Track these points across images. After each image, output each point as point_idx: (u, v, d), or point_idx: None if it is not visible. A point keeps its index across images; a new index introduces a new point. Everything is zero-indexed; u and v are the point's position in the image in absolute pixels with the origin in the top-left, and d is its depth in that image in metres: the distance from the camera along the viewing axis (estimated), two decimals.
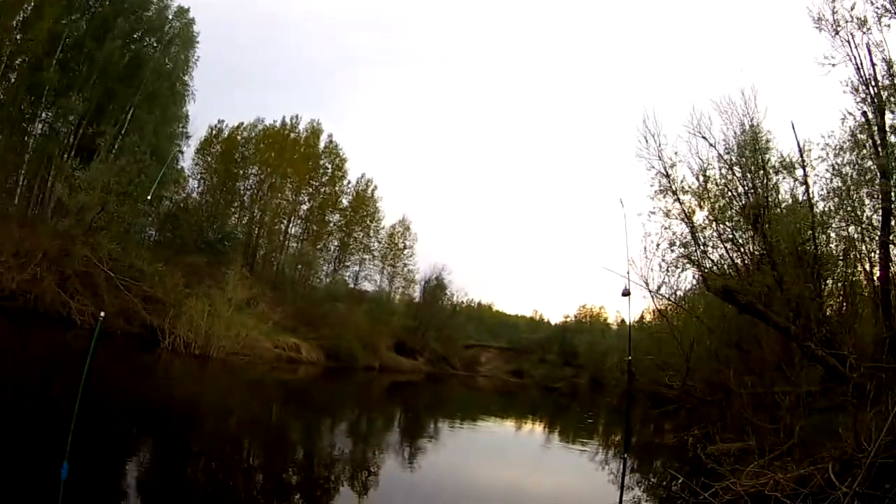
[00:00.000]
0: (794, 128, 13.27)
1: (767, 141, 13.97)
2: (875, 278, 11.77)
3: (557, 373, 62.72)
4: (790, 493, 8.50)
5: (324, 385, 31.13)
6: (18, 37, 30.32)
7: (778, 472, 9.22)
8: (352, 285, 55.18)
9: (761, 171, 13.76)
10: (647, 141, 14.95)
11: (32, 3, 30.70)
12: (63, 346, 19.43)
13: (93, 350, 6.22)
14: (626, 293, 8.46)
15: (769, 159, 13.88)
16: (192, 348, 27.25)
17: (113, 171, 27.53)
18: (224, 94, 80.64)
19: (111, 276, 26.19)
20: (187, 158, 44.58)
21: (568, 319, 72.60)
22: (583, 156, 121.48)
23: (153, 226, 39.55)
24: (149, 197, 24.46)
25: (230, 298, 29.92)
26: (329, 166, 56.09)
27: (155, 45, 34.50)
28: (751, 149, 13.87)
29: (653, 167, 14.98)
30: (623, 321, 27.12)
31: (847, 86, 11.90)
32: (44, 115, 30.15)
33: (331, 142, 55.94)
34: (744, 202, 13.97)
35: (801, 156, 13.28)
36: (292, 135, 54.34)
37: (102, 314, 8.77)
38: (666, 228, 15.06)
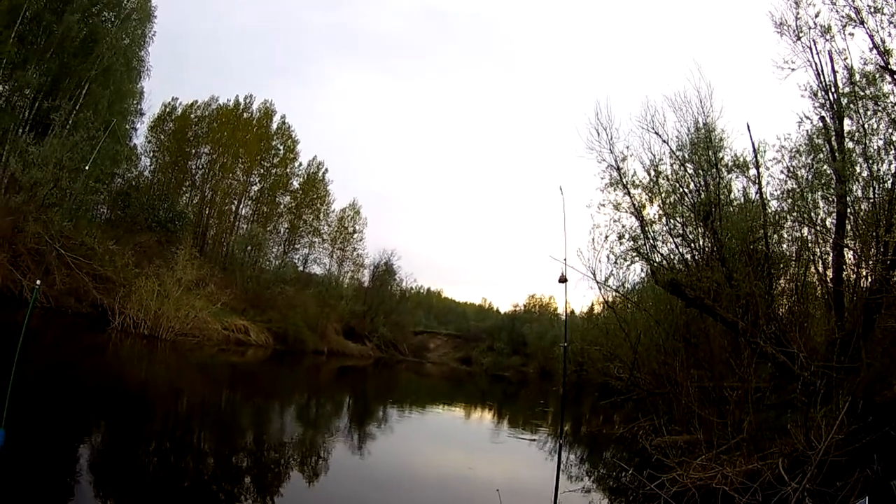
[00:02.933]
0: (749, 129, 13.32)
1: (721, 140, 13.96)
2: (828, 280, 11.94)
3: (506, 361, 63.42)
4: (739, 486, 8.72)
5: (272, 368, 31.14)
6: None
7: (726, 465, 9.48)
8: (301, 268, 54.75)
9: (714, 169, 13.78)
10: (598, 134, 14.86)
11: None
12: (12, 325, 19.19)
13: (28, 318, 6.34)
14: (563, 280, 7.93)
15: (723, 157, 13.90)
16: (142, 328, 27.21)
17: (67, 146, 27.09)
18: (180, 70, 79.33)
19: (62, 253, 25.81)
20: (140, 136, 44.03)
21: (517, 308, 72.83)
22: (532, 143, 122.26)
23: (105, 203, 38.96)
24: (87, 167, 24.04)
25: (179, 279, 29.90)
26: (281, 148, 55.73)
27: (112, 19, 33.89)
28: (704, 146, 13.86)
29: (604, 160, 14.89)
30: (572, 311, 27.23)
31: (806, 90, 12.04)
32: (0, 88, 29.52)
33: (283, 123, 55.60)
34: (695, 199, 13.94)
35: (756, 156, 13.36)
36: (245, 115, 53.69)
37: (38, 283, 8.79)
38: (615, 221, 15.03)
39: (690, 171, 14.20)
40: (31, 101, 30.33)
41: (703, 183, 13.96)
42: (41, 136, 28.41)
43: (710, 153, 13.82)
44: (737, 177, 14.12)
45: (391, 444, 14.77)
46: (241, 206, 54.34)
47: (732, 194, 14.26)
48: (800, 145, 12.49)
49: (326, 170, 58.88)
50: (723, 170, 13.88)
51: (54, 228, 25.59)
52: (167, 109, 51.02)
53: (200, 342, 29.88)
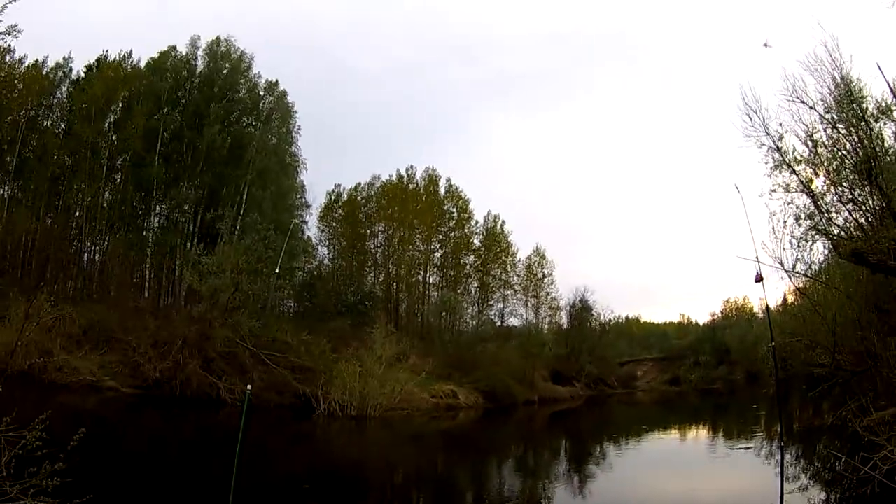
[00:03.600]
0: (881, 69, 12.28)
1: (860, 90, 13.32)
2: None
3: (713, 373, 61.14)
4: None
5: (485, 426, 30.90)
6: (114, 137, 31.79)
7: None
8: (498, 323, 54.53)
9: (862, 122, 13.12)
10: (751, 119, 14.60)
11: (121, 104, 32.26)
12: (215, 426, 19.57)
13: (244, 419, 6.56)
14: (759, 279, 8.12)
15: (867, 108, 13.26)
16: (349, 410, 27.05)
17: (239, 251, 28.09)
18: (335, 158, 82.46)
19: (255, 351, 26.41)
20: (312, 227, 45.78)
21: (715, 317, 70.39)
22: (692, 145, 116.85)
23: (290, 298, 40.16)
24: (277, 270, 24.46)
25: (380, 356, 29.66)
26: (454, 210, 56.08)
27: (253, 123, 35.35)
28: (847, 101, 13.24)
29: (763, 143, 14.59)
30: (768, 307, 25.70)
31: None
32: (157, 208, 31.21)
33: (450, 186, 56.06)
34: (854, 158, 13.38)
35: (895, 96, 12.56)
36: (411, 186, 54.77)
37: (249, 387, 8.89)
38: (788, 204, 14.58)
39: (843, 131, 13.78)
40: (192, 215, 31.92)
41: (856, 140, 13.49)
42: (210, 246, 29.78)
43: (855, 106, 13.34)
44: (885, 123, 13.52)
45: (611, 480, 15.10)
46: (427, 275, 54.96)
47: (886, 143, 13.70)
48: None
49: (504, 221, 58.49)
50: (870, 120, 13.30)
51: (243, 329, 26.20)
52: (332, 197, 53.04)
53: (410, 414, 29.71)
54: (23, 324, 19.22)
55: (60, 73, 33.84)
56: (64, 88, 33.62)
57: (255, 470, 12.35)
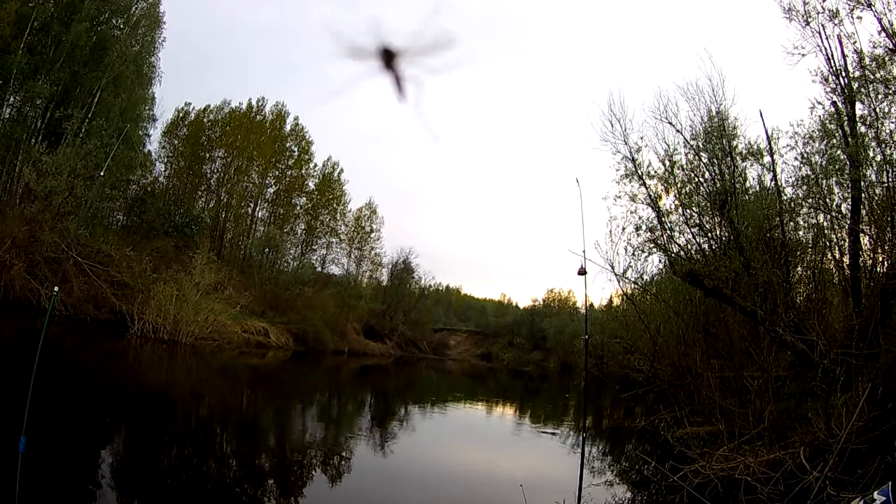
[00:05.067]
0: (762, 115, 13.16)
1: (734, 128, 13.78)
2: (845, 266, 11.77)
3: (526, 356, 63.18)
4: (761, 476, 8.67)
5: (293, 369, 31.20)
6: None
7: (748, 455, 9.41)
8: (319, 269, 54.99)
9: (728, 158, 13.61)
10: (612, 125, 14.64)
11: None
12: (32, 332, 19.30)
13: (46, 325, 6.62)
14: (583, 272, 7.96)
15: (737, 146, 13.71)
16: (161, 333, 27.21)
17: (80, 154, 27.20)
18: (191, 75, 79.46)
19: (79, 261, 26.04)
20: (154, 142, 44.32)
21: (536, 303, 72.29)
22: (548, 136, 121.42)
23: (121, 210, 39.18)
24: (101, 173, 24.19)
25: (198, 283, 29.83)
26: (295, 149, 55.87)
27: (121, 27, 34.04)
28: (717, 135, 13.69)
29: (619, 151, 14.67)
30: (591, 305, 27.27)
31: (817, 76, 11.87)
32: (12, 99, 29.73)
33: (297, 125, 55.69)
34: (711, 188, 13.78)
35: (770, 143, 13.16)
36: (258, 117, 53.86)
37: (56, 289, 8.90)
38: (632, 213, 14.79)
39: (705, 161, 14.04)
40: (42, 111, 30.54)
41: (717, 172, 13.80)
42: (54, 146, 28.52)
43: (724, 141, 13.67)
44: (751, 165, 13.91)
45: (414, 443, 14.91)
46: (257, 209, 54.65)
47: (748, 182, 14.06)
48: (813, 131, 12.29)
49: (342, 170, 58.97)
50: (737, 158, 13.69)
51: (70, 237, 25.71)
52: (180, 115, 51.32)
53: (220, 345, 29.96)
54: None
55: None
56: None
57: (61, 385, 12.49)
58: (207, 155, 51.43)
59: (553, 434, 18.58)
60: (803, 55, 11.94)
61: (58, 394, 11.33)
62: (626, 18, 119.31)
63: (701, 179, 14.12)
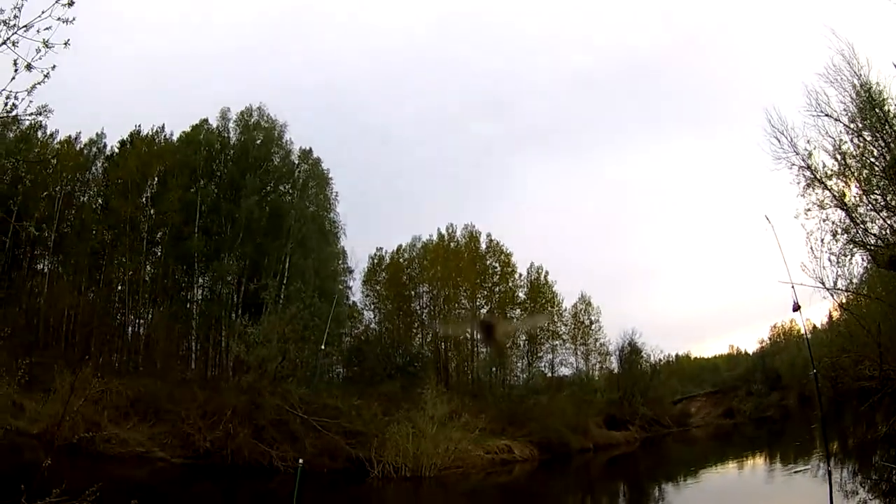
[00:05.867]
0: None
1: (880, 94, 13.37)
2: None
3: (765, 401, 59.91)
4: None
5: (541, 478, 31.05)
6: (152, 211, 32.67)
7: None
8: (549, 374, 54.18)
9: (886, 126, 13.23)
10: (779, 140, 14.81)
11: (156, 178, 33.18)
12: (267, 494, 19.58)
13: (297, 491, 7.38)
14: (797, 308, 8.19)
15: (889, 110, 13.34)
16: (403, 472, 26.94)
17: (285, 319, 28.40)
18: (374, 221, 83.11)
19: (306, 418, 26.48)
20: (356, 292, 46.52)
21: (763, 344, 69.67)
22: (720, 176, 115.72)
23: (339, 364, 40.33)
24: (322, 346, 24.70)
25: (432, 416, 29.60)
26: (496, 265, 55.90)
27: (290, 191, 36.01)
28: (869, 107, 13.32)
29: (793, 164, 14.76)
30: (814, 327, 26.31)
31: None
32: (200, 280, 31.76)
33: (491, 240, 56.03)
34: (883, 164, 13.47)
35: None
36: (452, 244, 55.00)
37: (301, 461, 8.67)
38: (824, 221, 14.75)
39: (868, 138, 13.93)
40: (236, 286, 32.39)
41: (883, 144, 13.64)
42: (255, 317, 30.13)
43: (877, 110, 13.51)
44: None
45: None
46: (475, 332, 54.27)
47: None
48: None
49: (547, 272, 58.03)
50: (893, 122, 13.49)
51: (293, 398, 26.37)
52: (375, 261, 53.38)
53: (465, 472, 29.40)
54: (69, 396, 19.51)
55: (95, 149, 35.16)
56: (99, 164, 34.83)
57: None
58: (413, 292, 52.89)
59: (804, 471, 18.96)
60: None
61: None
62: (743, 28, 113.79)
63: (872, 159, 14.15)
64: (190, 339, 33.38)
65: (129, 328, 33.34)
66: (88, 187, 34.49)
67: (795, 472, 19.18)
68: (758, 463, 25.32)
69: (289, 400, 26.28)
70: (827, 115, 13.98)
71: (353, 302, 43.66)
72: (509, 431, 37.75)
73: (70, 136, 34.23)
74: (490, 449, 34.16)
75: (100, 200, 34.17)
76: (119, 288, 32.69)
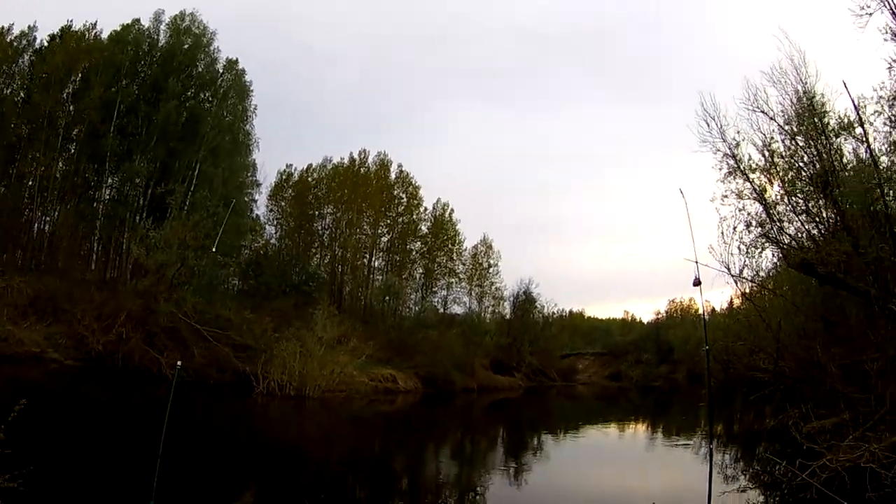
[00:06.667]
0: (846, 86, 12.71)
1: (823, 104, 13.56)
2: None
3: (655, 371, 62.86)
4: (885, 461, 8.54)
5: (423, 412, 31.29)
6: (71, 108, 31.59)
7: (872, 442, 9.34)
8: (441, 310, 54.92)
9: (822, 136, 13.38)
10: (708, 124, 14.76)
11: (80, 75, 32.02)
12: (155, 400, 19.76)
13: (171, 397, 6.67)
14: (697, 283, 7.97)
15: (828, 122, 13.49)
16: (288, 390, 27.43)
17: (188, 226, 28.07)
18: (288, 136, 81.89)
19: (198, 328, 26.57)
20: (261, 206, 46.07)
21: (659, 316, 71.92)
22: (644, 149, 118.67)
23: (236, 276, 40.12)
24: (213, 249, 24.56)
25: (321, 337, 29.96)
26: (403, 196, 56.33)
27: (210, 99, 35.23)
28: (808, 114, 13.52)
29: (718, 150, 14.75)
30: (713, 310, 27.22)
31: (887, 32, 11.69)
32: (109, 180, 31.05)
33: (401, 171, 56.34)
34: (811, 171, 13.62)
35: (858, 113, 12.78)
36: (362, 170, 54.88)
37: (179, 363, 8.96)
38: (740, 210, 14.83)
39: (801, 143, 13.96)
40: (143, 189, 31.79)
41: (815, 153, 13.66)
42: (159, 221, 29.80)
43: (816, 120, 13.56)
44: (845, 139, 13.70)
45: (546, 471, 15.18)
46: (372, 259, 55.32)
47: (844, 158, 13.85)
48: (894, 91, 12.26)
49: (452, 210, 58.92)
50: (831, 135, 13.55)
51: (187, 305, 26.35)
52: (283, 177, 53.10)
53: (349, 396, 29.99)
54: None
55: (25, 42, 33.31)
56: (26, 57, 33.17)
57: (190, 446, 12.70)
58: (316, 213, 52.79)
59: (686, 446, 19.09)
60: (870, 14, 11.73)
61: (187, 457, 11.53)
62: (700, 15, 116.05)
63: (801, 164, 14.07)
64: (93, 240, 32.57)
65: (35, 225, 32.32)
66: (13, 80, 32.78)
67: (677, 445, 19.73)
68: (640, 430, 25.95)
69: (182, 308, 26.24)
70: (762, 112, 14.29)
71: (257, 215, 43.26)
72: (396, 362, 38.62)
73: (1, 28, 32.50)
74: (375, 376, 34.94)
75: (22, 94, 32.60)
76: (30, 184, 31.51)
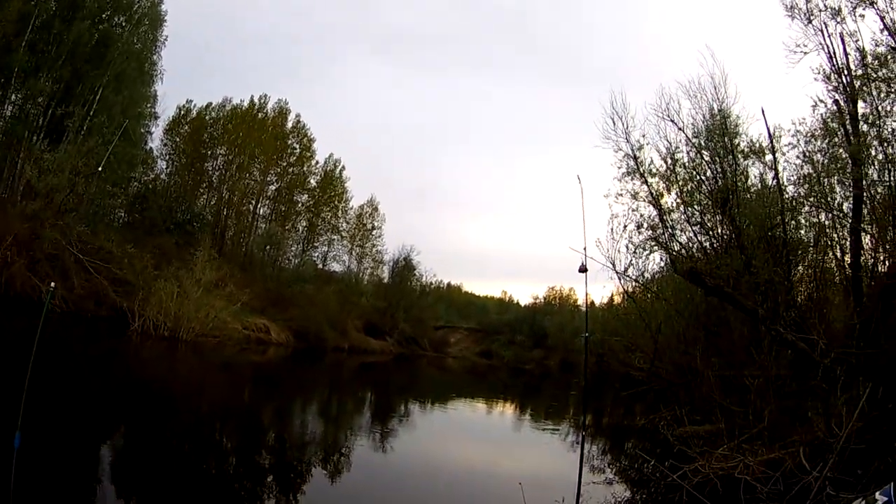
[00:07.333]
0: (764, 114, 12.97)
1: (737, 126, 13.55)
2: (846, 265, 11.73)
3: (527, 354, 63.09)
4: (760, 476, 8.63)
5: (294, 366, 31.24)
6: None
7: (748, 455, 9.34)
8: (320, 266, 55.10)
9: (730, 156, 13.40)
10: (614, 123, 14.36)
11: None
12: (31, 328, 19.29)
13: (42, 320, 6.24)
14: (583, 269, 7.92)
15: (738, 144, 13.51)
16: (162, 330, 27.37)
17: (81, 152, 27.19)
18: (195, 74, 79.44)
19: (80, 258, 26.06)
20: (156, 139, 44.57)
21: (537, 301, 72.49)
22: (552, 134, 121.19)
23: (122, 207, 39.18)
24: (100, 168, 24.09)
25: (199, 280, 29.97)
26: (297, 146, 55.64)
27: (123, 24, 34.11)
28: (719, 133, 13.48)
29: (620, 149, 14.40)
30: (592, 303, 27.46)
31: (819, 74, 11.76)
32: (13, 97, 29.77)
33: (298, 122, 55.47)
34: (712, 186, 13.54)
35: (772, 141, 13.00)
36: (260, 115, 53.68)
37: (53, 285, 8.78)
38: (633, 210, 14.62)
39: (707, 159, 13.83)
40: (44, 109, 30.61)
41: (719, 170, 13.58)
42: (56, 143, 28.72)
43: (726, 139, 13.49)
44: (753, 163, 13.78)
45: (413, 440, 14.82)
46: (258, 206, 54.47)
47: (749, 181, 13.94)
48: (815, 129, 12.21)
49: (343, 167, 58.75)
50: (739, 156, 13.53)
51: (72, 234, 25.80)
52: (182, 112, 51.35)
53: (221, 342, 29.95)
54: None
55: None
56: None
57: (59, 381, 12.37)
58: (209, 152, 51.45)
59: (554, 432, 18.68)
60: (805, 53, 11.86)
61: (56, 390, 11.22)
62: (629, 15, 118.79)
63: (703, 178, 13.94)
64: None
65: None
66: None
67: (545, 429, 19.53)
68: (509, 410, 26.11)
69: (68, 235, 25.53)
70: (672, 121, 14.08)
71: (151, 148, 42.09)
72: (270, 312, 38.72)
73: None
74: (248, 325, 35.05)
75: None
76: None
